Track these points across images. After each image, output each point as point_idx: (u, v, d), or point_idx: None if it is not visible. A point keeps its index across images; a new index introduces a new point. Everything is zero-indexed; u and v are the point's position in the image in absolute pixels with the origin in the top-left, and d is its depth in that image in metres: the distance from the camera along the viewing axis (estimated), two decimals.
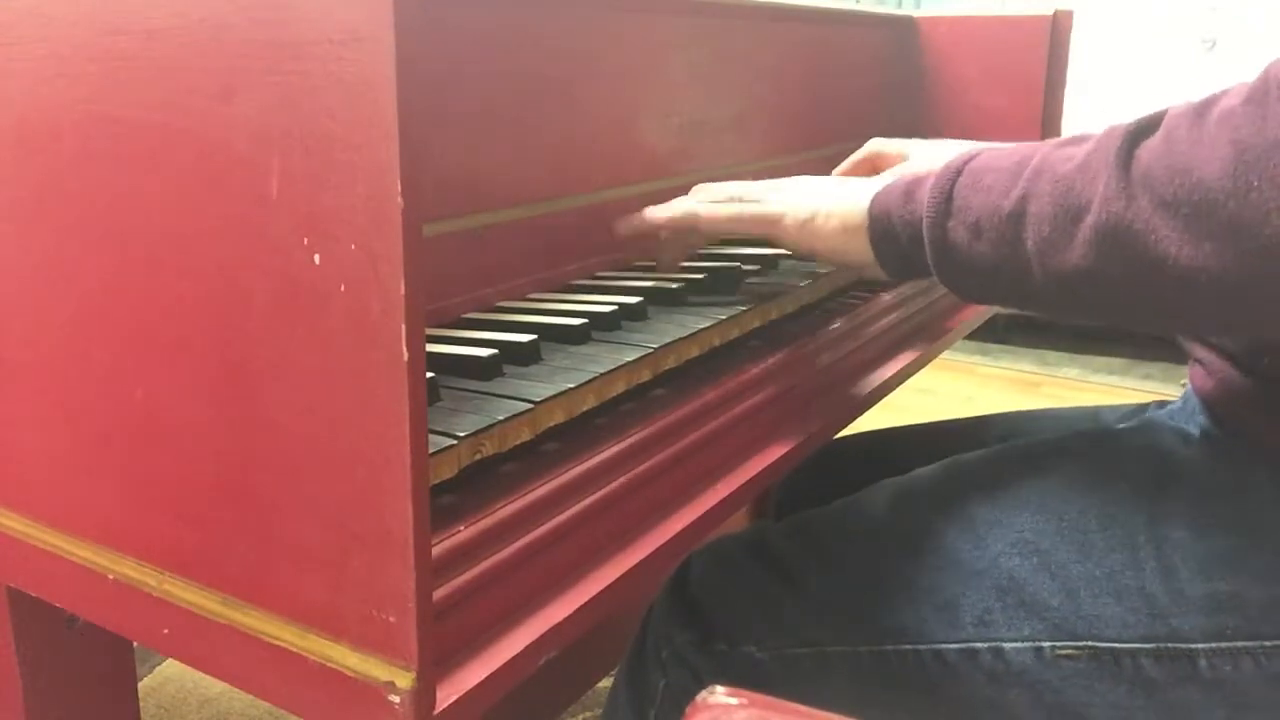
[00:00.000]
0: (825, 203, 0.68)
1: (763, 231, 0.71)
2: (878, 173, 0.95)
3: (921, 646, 0.66)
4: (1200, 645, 0.61)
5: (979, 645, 0.65)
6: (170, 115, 0.41)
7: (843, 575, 0.69)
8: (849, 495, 0.75)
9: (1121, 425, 0.79)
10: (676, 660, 0.70)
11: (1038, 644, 0.64)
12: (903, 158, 0.91)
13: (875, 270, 0.68)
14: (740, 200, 0.72)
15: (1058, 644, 0.63)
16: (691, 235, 0.76)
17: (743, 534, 0.74)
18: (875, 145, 0.92)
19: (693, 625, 0.70)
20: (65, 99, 0.45)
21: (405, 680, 0.39)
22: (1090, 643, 0.63)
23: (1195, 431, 0.70)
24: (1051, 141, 0.59)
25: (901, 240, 0.64)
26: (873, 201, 0.66)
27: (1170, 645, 0.62)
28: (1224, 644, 0.61)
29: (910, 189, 0.64)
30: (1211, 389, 0.69)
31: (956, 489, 0.71)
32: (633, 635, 0.76)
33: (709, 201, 0.73)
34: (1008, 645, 0.64)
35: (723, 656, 0.69)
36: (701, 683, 0.68)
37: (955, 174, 0.61)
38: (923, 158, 0.90)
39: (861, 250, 0.67)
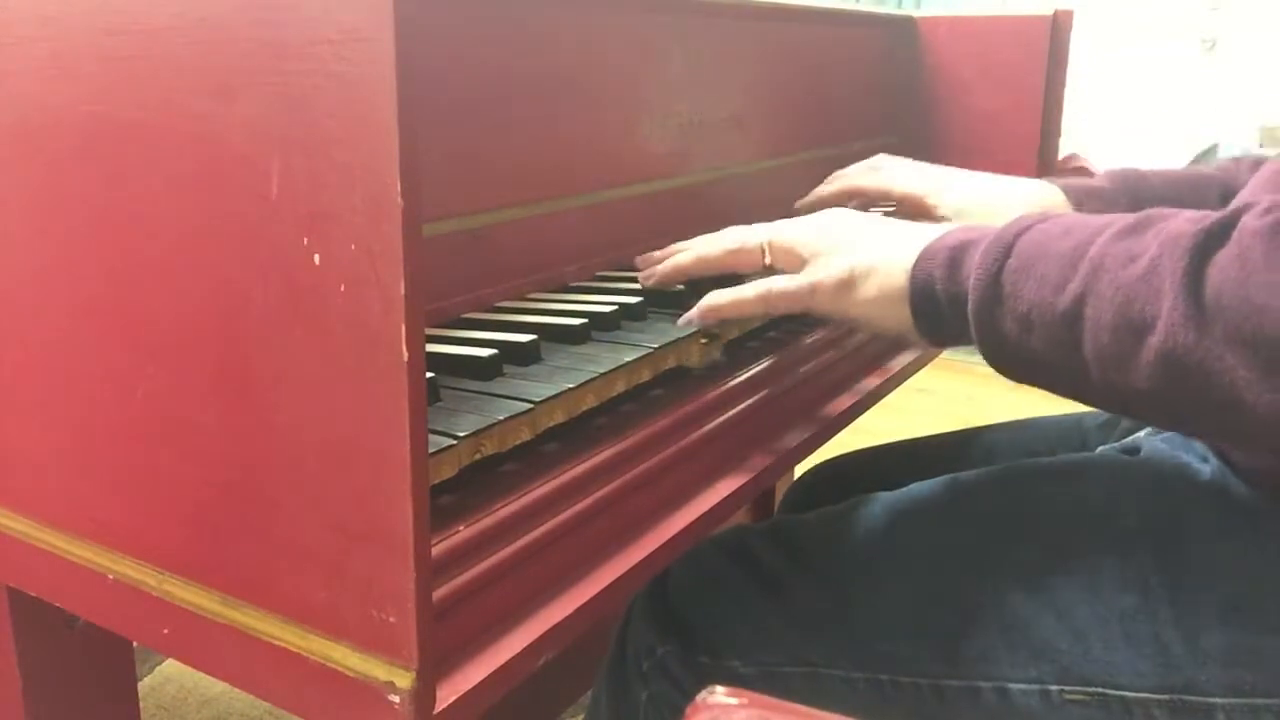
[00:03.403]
0: (861, 261, 0.61)
1: (793, 309, 0.65)
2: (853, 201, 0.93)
3: (921, 680, 0.63)
4: (1219, 700, 0.58)
5: (982, 684, 0.62)
6: (170, 115, 0.41)
7: (835, 593, 0.67)
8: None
9: (1116, 448, 0.75)
10: (659, 672, 0.68)
11: (1044, 686, 0.61)
12: (885, 194, 0.89)
13: (916, 339, 0.61)
14: (768, 247, 0.66)
15: (1066, 688, 0.61)
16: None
17: (722, 538, 0.71)
18: (864, 180, 0.89)
19: (674, 636, 0.68)
20: (65, 99, 0.45)
21: (405, 680, 0.39)
22: (1100, 689, 0.60)
23: (1203, 467, 0.65)
24: (1112, 226, 0.52)
25: (946, 315, 0.58)
26: (915, 266, 0.59)
27: (1186, 698, 0.58)
28: (1243, 700, 0.57)
29: (955, 257, 0.57)
30: None
31: (955, 513, 0.68)
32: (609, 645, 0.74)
33: (722, 247, 0.68)
34: (1012, 686, 0.61)
35: (706, 669, 0.66)
36: (686, 695, 0.66)
37: (1004, 253, 0.55)
38: (919, 183, 0.88)
39: (902, 319, 0.60)
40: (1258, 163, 0.86)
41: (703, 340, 0.65)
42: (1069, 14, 1.16)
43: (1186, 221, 0.49)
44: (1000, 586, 0.63)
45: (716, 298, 0.65)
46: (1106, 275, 0.50)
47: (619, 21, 0.82)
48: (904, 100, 1.24)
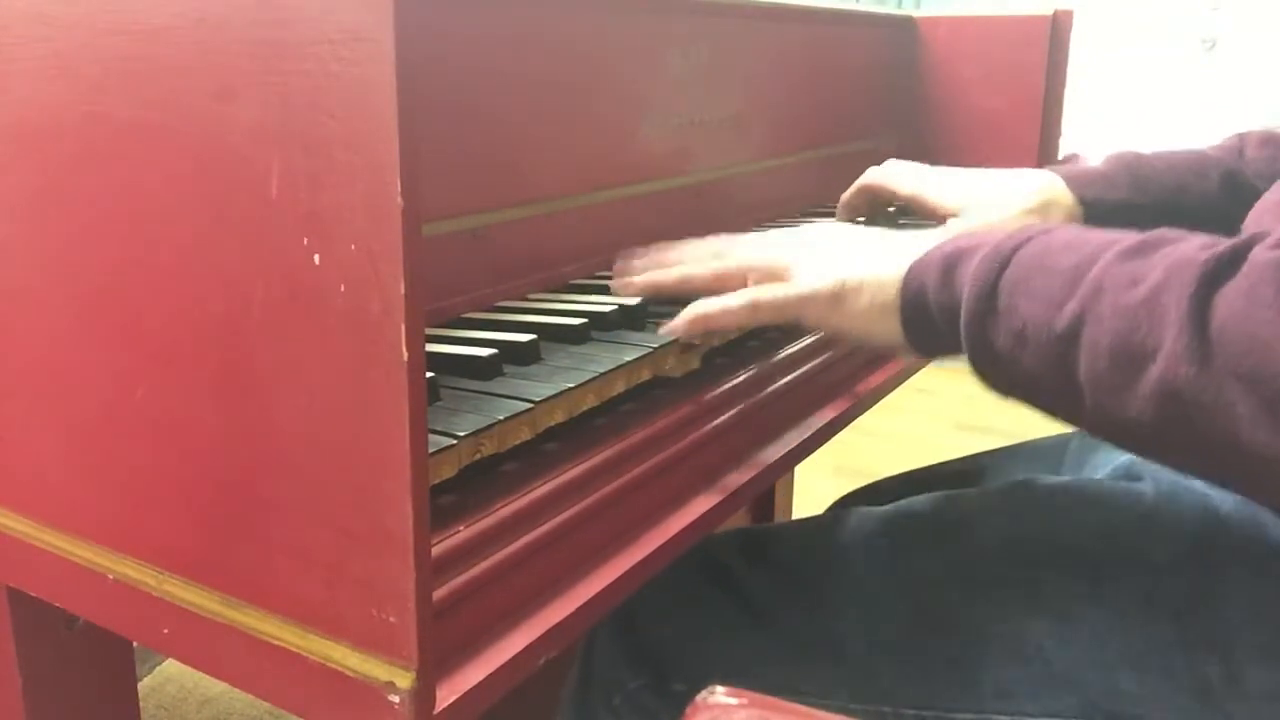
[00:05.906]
0: (852, 273, 0.59)
1: (781, 320, 0.63)
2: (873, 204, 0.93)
3: (928, 713, 0.60)
4: None
5: (996, 718, 0.59)
6: (170, 115, 0.41)
7: (825, 617, 0.63)
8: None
9: (1125, 465, 0.72)
10: (631, 707, 0.65)
11: None
12: (892, 193, 0.89)
13: (906, 351, 0.60)
14: (753, 270, 0.63)
15: None
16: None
17: (695, 553, 0.63)
18: (871, 177, 0.89)
19: (645, 666, 0.64)
20: (65, 99, 0.45)
21: (405, 680, 0.39)
22: None
23: (1225, 495, 0.62)
24: (1116, 245, 0.50)
25: (938, 326, 0.56)
26: (907, 275, 0.57)
27: None
28: None
29: (949, 265, 0.55)
30: None
31: (959, 534, 0.65)
32: (571, 675, 0.70)
33: (708, 270, 0.65)
34: None
35: (682, 698, 0.62)
36: None
37: (1002, 264, 0.52)
38: (923, 186, 0.87)
39: (892, 331, 0.58)
40: (1266, 138, 0.85)
41: (680, 350, 0.63)
42: (1069, 14, 1.16)
43: (1195, 248, 0.47)
44: (1018, 614, 0.60)
45: (704, 306, 0.62)
46: (1107, 298, 0.48)
47: (619, 21, 0.82)
48: (904, 100, 1.24)
